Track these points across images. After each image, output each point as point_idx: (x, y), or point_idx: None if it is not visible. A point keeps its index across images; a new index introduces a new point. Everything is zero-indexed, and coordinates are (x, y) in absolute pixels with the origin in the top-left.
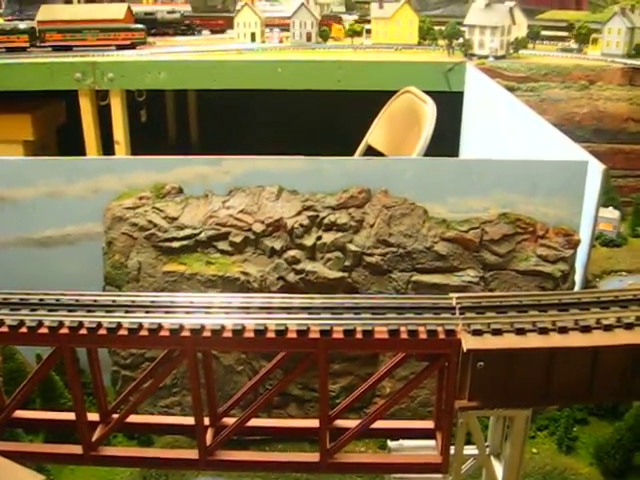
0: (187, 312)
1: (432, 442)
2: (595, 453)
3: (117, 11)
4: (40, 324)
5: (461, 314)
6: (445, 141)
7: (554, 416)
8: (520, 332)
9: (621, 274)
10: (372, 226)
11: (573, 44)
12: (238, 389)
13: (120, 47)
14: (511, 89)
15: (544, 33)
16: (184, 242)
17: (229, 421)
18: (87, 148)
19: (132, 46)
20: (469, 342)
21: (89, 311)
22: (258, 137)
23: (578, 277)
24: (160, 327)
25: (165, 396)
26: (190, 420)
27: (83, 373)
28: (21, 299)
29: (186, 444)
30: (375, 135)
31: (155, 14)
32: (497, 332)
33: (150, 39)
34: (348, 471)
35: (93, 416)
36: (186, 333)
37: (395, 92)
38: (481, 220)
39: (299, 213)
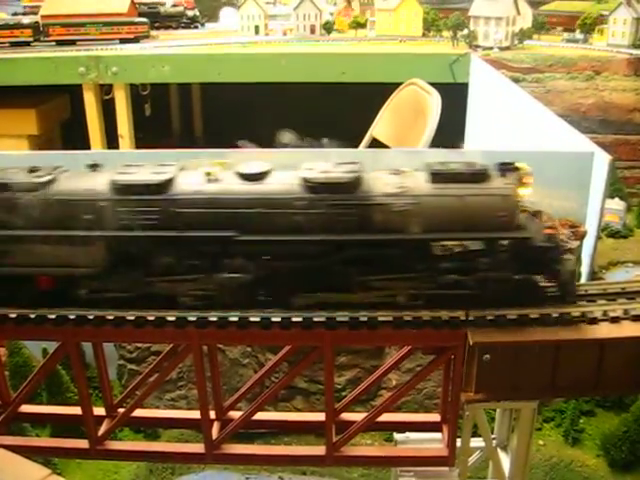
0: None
1: (438, 435)
2: (602, 445)
3: (120, 5)
4: (45, 319)
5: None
6: (450, 133)
7: (560, 408)
8: (526, 325)
9: (627, 265)
10: None
11: (579, 34)
12: (244, 382)
13: (124, 41)
14: (516, 80)
15: None
16: None
17: (235, 415)
18: (91, 142)
19: (136, 40)
20: (475, 335)
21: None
22: (262, 130)
23: (584, 269)
24: (165, 321)
25: (171, 389)
26: (196, 414)
27: (89, 367)
28: None
29: (192, 437)
30: (380, 127)
31: (158, 7)
32: (503, 325)
33: (153, 32)
34: (354, 464)
35: (99, 410)
36: (191, 327)
37: (400, 84)
38: None
39: None
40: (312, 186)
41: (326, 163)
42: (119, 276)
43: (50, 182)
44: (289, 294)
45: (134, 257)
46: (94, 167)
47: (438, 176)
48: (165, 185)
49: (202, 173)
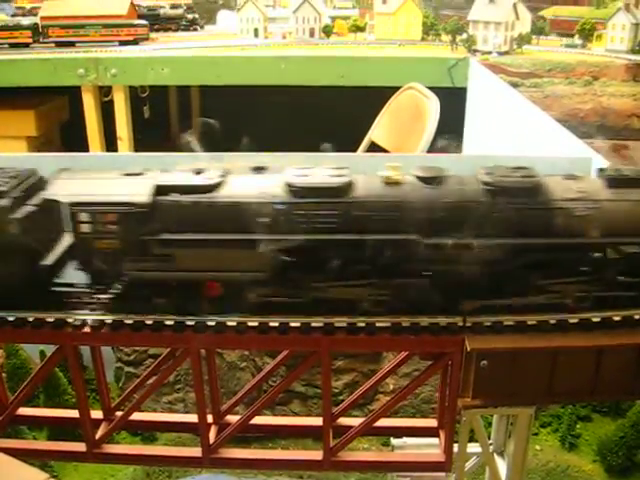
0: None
1: (435, 440)
2: (598, 450)
3: (120, 7)
4: (43, 322)
5: (465, 313)
6: (448, 137)
7: (557, 413)
8: (523, 331)
9: None
10: None
11: (577, 39)
12: (241, 386)
13: (123, 43)
14: (515, 85)
15: None
16: None
17: (232, 419)
18: (90, 144)
19: (135, 42)
20: (473, 341)
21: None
22: (261, 133)
23: None
24: (163, 325)
25: (168, 392)
26: (193, 418)
27: (86, 369)
28: None
29: (189, 440)
30: (378, 131)
31: (158, 10)
32: (500, 331)
33: (153, 35)
34: (351, 469)
35: (97, 413)
36: (189, 332)
37: (398, 88)
38: None
39: None
40: (494, 190)
41: (504, 168)
42: (289, 281)
43: (220, 184)
44: (465, 298)
45: (307, 261)
46: (259, 170)
47: (614, 181)
48: (346, 188)
49: (380, 176)
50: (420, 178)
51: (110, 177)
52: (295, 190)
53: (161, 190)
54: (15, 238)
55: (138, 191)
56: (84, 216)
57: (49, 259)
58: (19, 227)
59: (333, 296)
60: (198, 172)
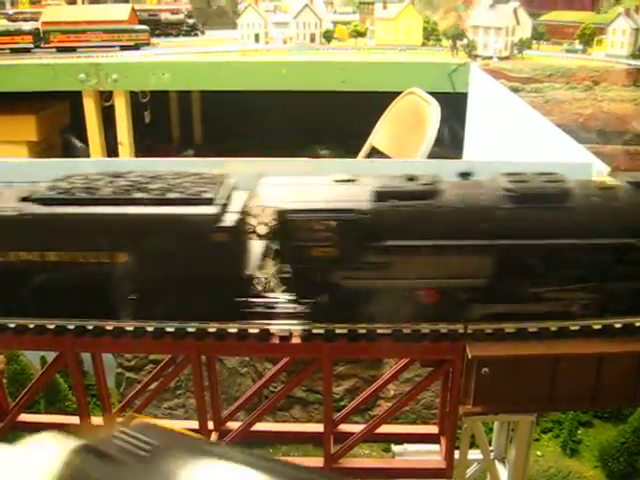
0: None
1: (436, 447)
2: (599, 456)
3: (121, 12)
4: (44, 329)
5: (466, 319)
6: (449, 143)
7: (558, 419)
8: (525, 338)
9: None
10: None
11: (578, 44)
12: (242, 391)
13: (124, 48)
14: (515, 90)
15: None
16: None
17: (233, 425)
18: (91, 149)
19: (136, 47)
20: (474, 348)
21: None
22: (262, 138)
23: None
24: (164, 332)
25: (169, 398)
26: (194, 424)
27: (87, 374)
28: None
29: None
30: (379, 137)
31: (159, 15)
32: (502, 338)
33: (154, 40)
34: (352, 476)
35: (97, 421)
36: (190, 339)
37: (399, 93)
38: None
39: None
40: None
41: None
42: (507, 287)
43: (438, 190)
44: None
45: (524, 267)
46: (466, 175)
47: None
48: (567, 194)
49: (594, 182)
50: (632, 183)
51: (320, 184)
52: (516, 196)
53: (380, 196)
54: (225, 247)
55: (358, 197)
56: (300, 224)
57: (251, 269)
58: (228, 236)
59: (551, 302)
60: (411, 178)
